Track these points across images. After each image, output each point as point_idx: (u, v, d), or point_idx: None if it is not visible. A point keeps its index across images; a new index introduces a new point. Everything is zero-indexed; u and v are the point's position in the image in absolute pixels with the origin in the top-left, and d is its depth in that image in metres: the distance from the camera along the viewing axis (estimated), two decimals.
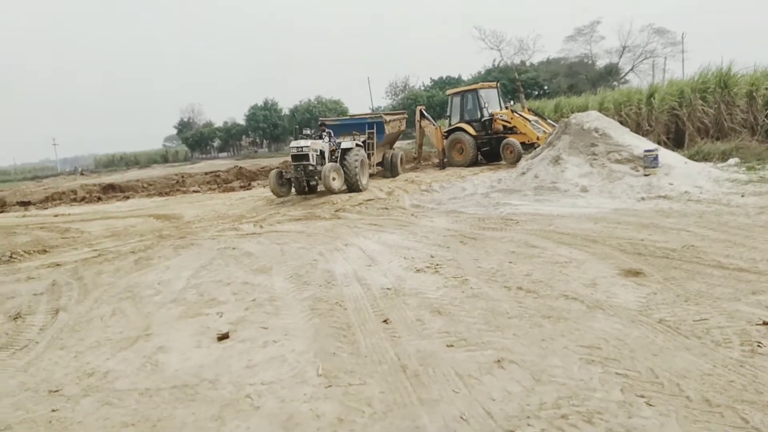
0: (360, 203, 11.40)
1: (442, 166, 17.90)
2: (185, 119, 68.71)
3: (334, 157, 13.69)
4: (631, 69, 44.08)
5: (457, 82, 54.85)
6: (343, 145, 13.87)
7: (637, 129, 15.95)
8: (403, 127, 18.32)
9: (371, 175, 15.47)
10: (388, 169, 16.89)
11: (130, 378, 3.64)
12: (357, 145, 14.10)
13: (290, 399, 3.09)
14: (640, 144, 10.31)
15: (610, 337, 3.54)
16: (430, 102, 50.78)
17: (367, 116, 17.00)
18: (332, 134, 14.15)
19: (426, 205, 10.41)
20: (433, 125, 18.67)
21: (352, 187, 13.36)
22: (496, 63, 50.02)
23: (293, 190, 13.99)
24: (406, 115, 18.78)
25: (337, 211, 10.64)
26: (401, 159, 17.55)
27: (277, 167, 14.72)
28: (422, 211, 9.61)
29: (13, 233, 12.34)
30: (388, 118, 16.53)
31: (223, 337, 4.15)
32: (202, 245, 8.46)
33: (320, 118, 18.26)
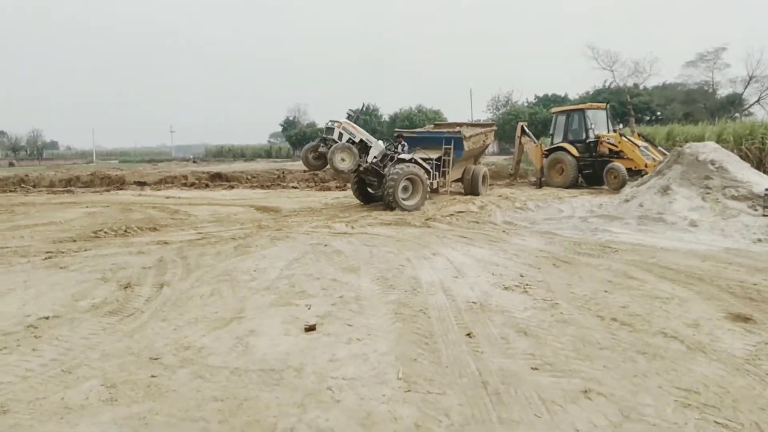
0: (451, 214, 11.36)
1: (539, 185, 17.45)
2: (291, 118, 71.64)
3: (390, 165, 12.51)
4: (757, 101, 40.76)
5: (562, 100, 53.22)
6: (401, 155, 12.69)
7: (759, 166, 14.74)
8: (489, 141, 16.53)
9: (445, 191, 14.67)
10: (468, 187, 15.46)
11: (222, 356, 3.86)
12: (413, 160, 12.66)
13: (369, 398, 3.14)
14: (761, 182, 9.51)
15: (710, 382, 3.29)
16: (532, 119, 49.59)
17: (445, 131, 15.48)
18: (406, 146, 13.30)
19: (519, 223, 10.19)
20: (534, 142, 18.25)
21: (386, 201, 12.12)
22: (607, 84, 48.07)
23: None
24: (494, 128, 16.79)
25: (427, 219, 10.67)
26: (484, 176, 15.77)
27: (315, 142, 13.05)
28: (514, 229, 9.42)
29: (129, 210, 13.48)
30: (467, 132, 14.81)
31: (311, 328, 4.30)
32: (296, 239, 8.80)
33: (396, 130, 17.44)
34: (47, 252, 8.05)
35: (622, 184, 14.59)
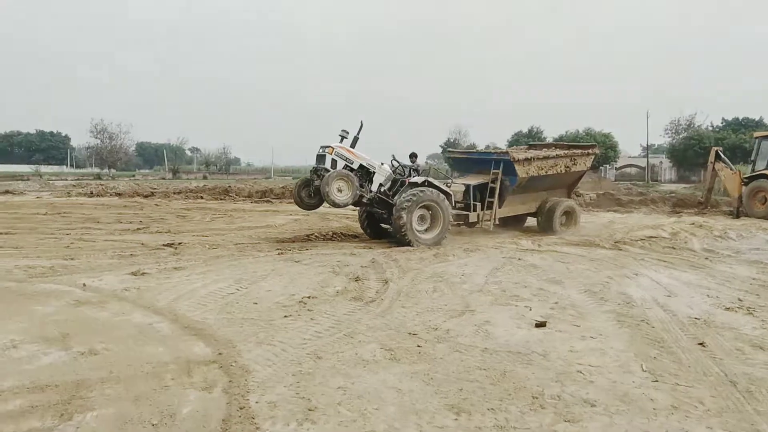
0: (641, 239, 11.11)
1: (736, 214, 16.13)
2: (452, 139, 72.89)
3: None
4: None
5: (756, 124, 47.93)
6: (413, 179, 10.48)
7: None
8: (583, 168, 12.85)
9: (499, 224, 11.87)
10: (541, 222, 12.55)
11: (469, 338, 4.50)
12: (427, 182, 10.36)
13: (620, 382, 3.54)
14: None
15: None
16: (720, 145, 45.29)
17: (492, 152, 12.93)
18: (419, 167, 11.33)
19: (721, 251, 9.70)
20: (731, 169, 16.92)
21: (397, 234, 9.93)
22: None
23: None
24: (593, 152, 13.00)
25: (616, 242, 10.59)
26: (567, 213, 12.52)
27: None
28: (717, 257, 9.02)
29: (327, 219, 15.10)
30: (520, 155, 11.67)
31: (541, 324, 4.79)
32: (487, 252, 9.36)
33: (448, 149, 14.41)
34: (277, 249, 9.50)
35: None
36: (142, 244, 9.97)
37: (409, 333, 4.63)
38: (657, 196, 20.74)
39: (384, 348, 4.22)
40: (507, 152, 11.81)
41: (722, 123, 51.64)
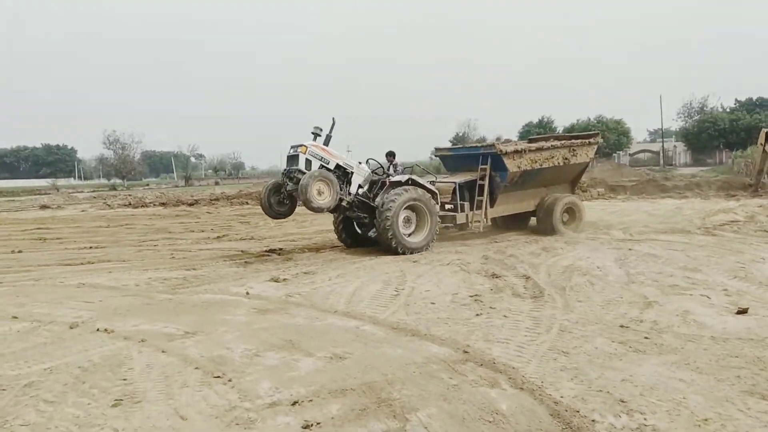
0: (723, 224, 11.32)
1: None
2: (460, 134, 72.97)
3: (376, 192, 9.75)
4: None
5: None
6: (396, 178, 9.81)
7: None
8: (585, 159, 11.89)
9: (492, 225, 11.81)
10: (541, 222, 11.57)
11: (684, 328, 4.66)
12: (411, 181, 9.73)
13: None
14: None
15: None
16: (734, 126, 45.76)
17: (480, 146, 11.87)
18: (399, 166, 10.62)
19: None
20: None
21: (385, 241, 9.20)
22: None
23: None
24: (595, 140, 12.00)
25: (706, 228, 10.77)
26: (569, 210, 11.55)
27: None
28: None
29: None
30: (508, 147, 10.88)
31: (743, 311, 4.95)
32: (588, 243, 9.57)
33: (436, 147, 12.86)
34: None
35: None
36: (242, 251, 10.15)
37: (620, 326, 4.79)
38: (702, 181, 20.94)
39: (615, 341, 4.37)
40: (493, 145, 11.04)
41: (735, 104, 51.84)
